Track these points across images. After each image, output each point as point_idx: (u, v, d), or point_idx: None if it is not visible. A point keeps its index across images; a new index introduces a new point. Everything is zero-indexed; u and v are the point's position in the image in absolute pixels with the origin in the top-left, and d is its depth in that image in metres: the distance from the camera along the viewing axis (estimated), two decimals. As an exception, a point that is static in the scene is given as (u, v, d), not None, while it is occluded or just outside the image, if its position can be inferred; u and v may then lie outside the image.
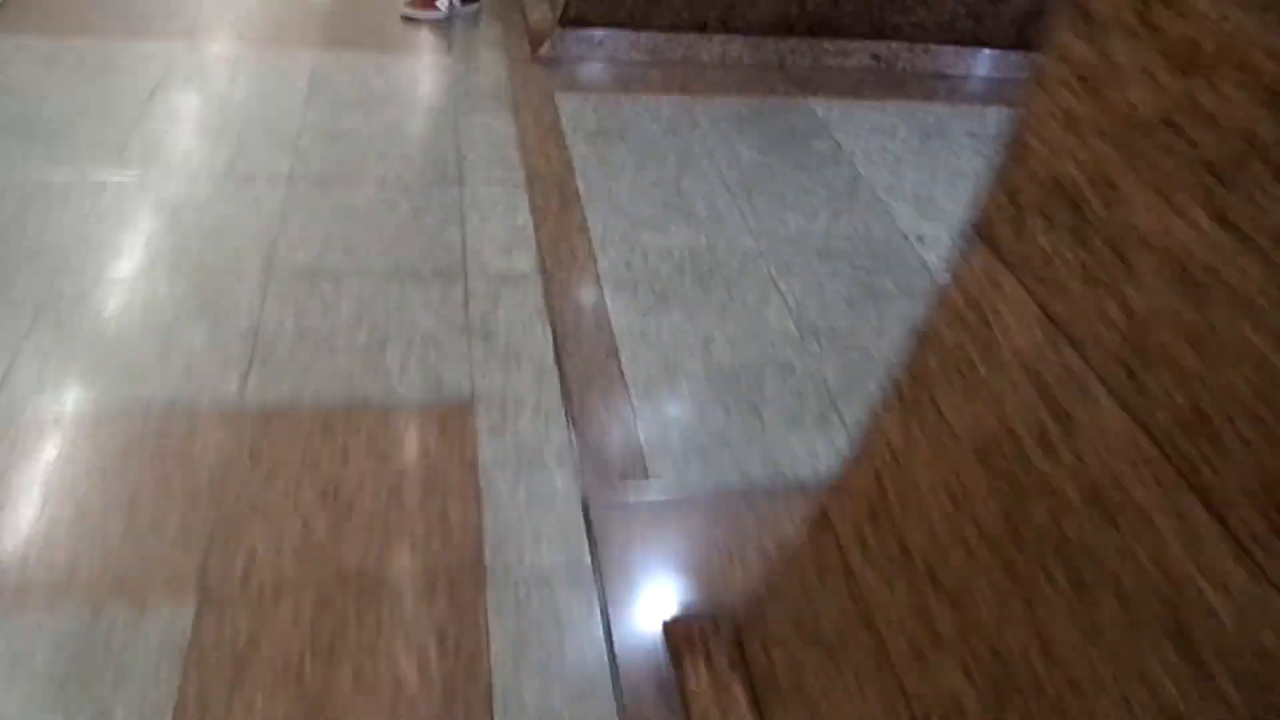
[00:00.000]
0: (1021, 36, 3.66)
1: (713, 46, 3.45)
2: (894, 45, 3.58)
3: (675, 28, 3.41)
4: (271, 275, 2.15)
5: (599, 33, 3.36)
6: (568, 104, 3.04)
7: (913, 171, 2.94)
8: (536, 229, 2.43)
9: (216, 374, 1.88)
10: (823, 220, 2.63)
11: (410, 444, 1.80)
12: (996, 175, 0.99)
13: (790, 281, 2.37)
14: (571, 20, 3.33)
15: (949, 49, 3.62)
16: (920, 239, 2.61)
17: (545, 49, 3.34)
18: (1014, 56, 3.67)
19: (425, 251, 2.30)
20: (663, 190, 2.67)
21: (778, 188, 2.75)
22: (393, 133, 2.76)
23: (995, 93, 3.54)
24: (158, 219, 2.28)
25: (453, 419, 1.86)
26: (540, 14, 3.50)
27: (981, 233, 1.01)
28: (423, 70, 3.18)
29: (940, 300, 1.10)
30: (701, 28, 3.44)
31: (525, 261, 2.31)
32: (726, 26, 3.45)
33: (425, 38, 3.41)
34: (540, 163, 2.71)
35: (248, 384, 1.87)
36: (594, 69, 3.32)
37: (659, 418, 1.93)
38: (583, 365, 2.03)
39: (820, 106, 3.25)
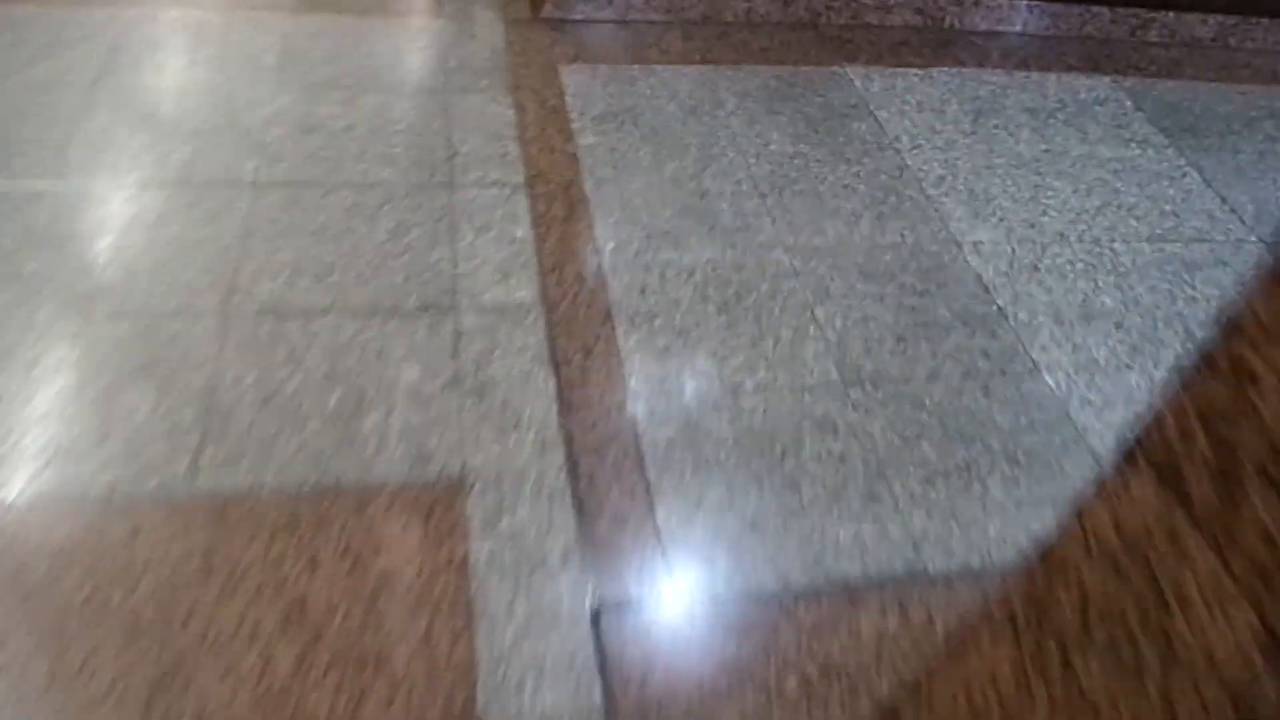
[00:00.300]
0: (1085, -13, 3.24)
1: (737, 3, 3.06)
2: (942, -2, 3.17)
3: (695, -18, 3.01)
4: (231, 316, 1.85)
5: (609, -11, 2.97)
6: (574, 79, 2.68)
7: (966, 159, 2.59)
8: (538, 245, 2.12)
9: (164, 451, 1.61)
10: (865, 227, 2.30)
11: (389, 543, 1.53)
12: (1185, 387, 0.69)
13: (830, 309, 2.06)
14: (577, -25, 2.94)
15: (1003, 1, 3.21)
16: (976, 248, 2.28)
17: (548, 7, 2.95)
18: (1076, 11, 3.26)
19: (410, 278, 2.00)
20: (683, 191, 2.33)
21: (814, 184, 2.42)
22: (374, 122, 2.42)
23: (1055, 55, 3.14)
24: (100, 241, 1.97)
25: (439, 506, 1.59)
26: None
27: (1156, 463, 0.71)
28: (409, 38, 2.81)
29: (1080, 520, 0.80)
30: (724, -19, 3.04)
31: (525, 289, 2.01)
32: (753, -20, 3.05)
33: (413, -5, 3.03)
34: (543, 157, 2.38)
35: (200, 464, 1.60)
36: (603, 32, 2.94)
37: (681, 497, 1.66)
38: (591, 429, 1.75)
39: (859, 76, 2.88)
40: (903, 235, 2.29)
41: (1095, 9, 3.28)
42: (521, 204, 2.23)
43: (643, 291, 2.04)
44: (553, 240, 2.14)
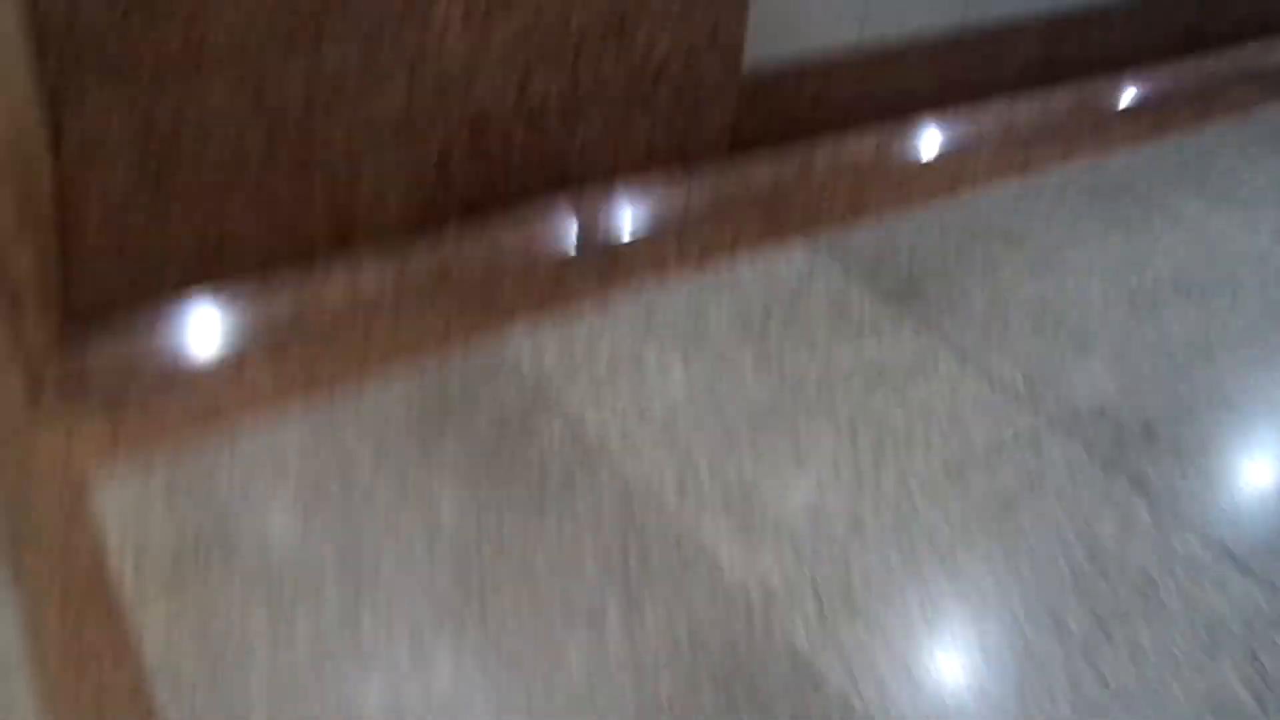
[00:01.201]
0: (737, 137, 2.78)
1: (336, 280, 2.25)
2: (589, 187, 2.57)
3: (267, 265, 2.17)
4: None
5: (142, 317, 2.04)
6: (115, 500, 1.73)
7: (699, 439, 1.96)
8: None
9: None
10: (616, 627, 1.58)
11: None
12: None
13: (618, 836, 1.31)
14: (85, 312, 1.99)
15: (652, 176, 2.67)
16: (768, 594, 1.64)
17: (54, 376, 1.97)
18: (739, 167, 2.78)
19: None
20: (329, 673, 1.48)
21: (523, 573, 1.66)
22: None
23: (734, 223, 2.63)
24: None
25: None
26: (36, 304, 2.09)
27: None
28: None
29: None
30: (307, 254, 2.22)
31: None
32: (346, 241, 2.26)
33: None
34: (84, 697, 1.42)
35: None
36: (150, 386, 2.01)
37: None
38: None
39: (524, 343, 2.17)
40: (670, 616, 1.60)
41: (759, 152, 2.83)
42: (53, 841, 1.27)
43: None
44: None
